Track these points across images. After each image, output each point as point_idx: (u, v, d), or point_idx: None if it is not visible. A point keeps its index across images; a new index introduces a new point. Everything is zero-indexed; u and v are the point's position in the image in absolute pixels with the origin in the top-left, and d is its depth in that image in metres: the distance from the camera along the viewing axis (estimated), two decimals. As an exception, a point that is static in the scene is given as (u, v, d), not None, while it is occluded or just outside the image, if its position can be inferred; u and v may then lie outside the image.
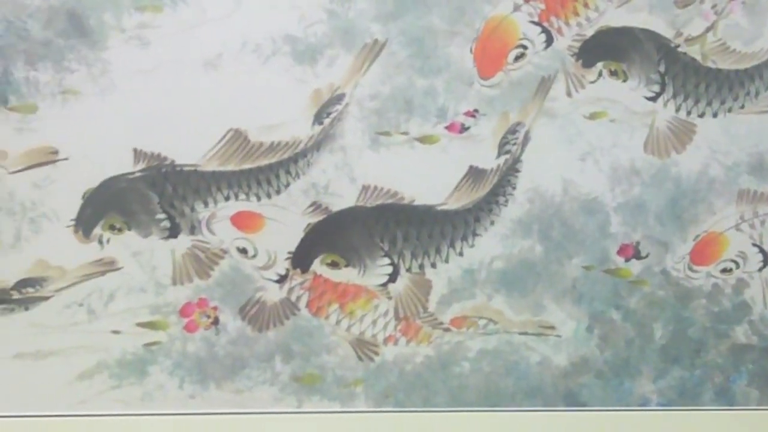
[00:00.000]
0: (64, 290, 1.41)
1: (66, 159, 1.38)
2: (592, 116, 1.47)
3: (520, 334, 1.51)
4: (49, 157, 1.38)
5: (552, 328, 1.51)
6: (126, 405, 1.44)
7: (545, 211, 1.49)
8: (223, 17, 1.39)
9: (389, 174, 1.45)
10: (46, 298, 1.40)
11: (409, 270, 1.47)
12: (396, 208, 1.45)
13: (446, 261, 1.48)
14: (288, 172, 1.43)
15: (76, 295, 1.41)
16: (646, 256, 1.51)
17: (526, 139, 1.47)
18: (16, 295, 1.39)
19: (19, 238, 1.38)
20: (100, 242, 1.40)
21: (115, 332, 1.42)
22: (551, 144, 1.47)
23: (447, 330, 1.49)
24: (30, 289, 1.39)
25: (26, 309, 1.40)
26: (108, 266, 1.41)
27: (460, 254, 1.48)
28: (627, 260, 1.51)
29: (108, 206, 1.40)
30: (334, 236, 1.45)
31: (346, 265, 1.45)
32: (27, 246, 1.39)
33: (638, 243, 1.51)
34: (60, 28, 1.36)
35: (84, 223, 1.39)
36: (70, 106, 1.38)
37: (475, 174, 1.46)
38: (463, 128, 1.45)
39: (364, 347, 1.48)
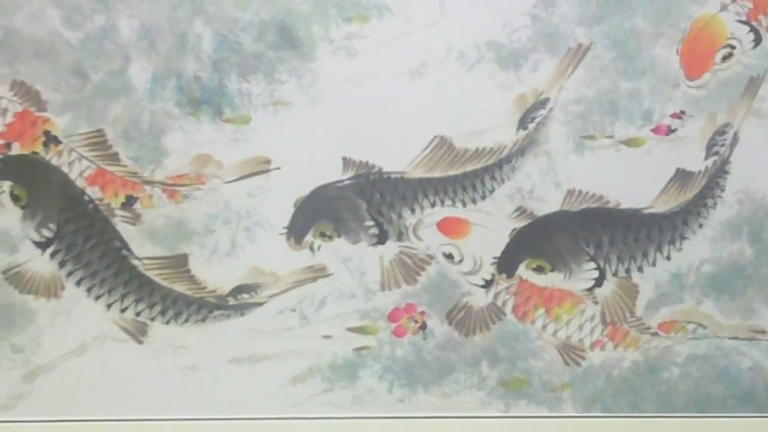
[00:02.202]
0: (278, 296, 1.35)
1: (278, 168, 1.32)
2: (804, 115, 1.33)
3: (731, 338, 1.37)
4: (262, 167, 1.31)
5: (764, 332, 1.38)
6: (337, 408, 1.36)
7: (756, 213, 1.35)
8: (428, 25, 1.31)
9: (594, 178, 1.34)
10: (261, 304, 1.34)
11: (615, 274, 1.35)
12: (601, 212, 1.34)
13: (653, 265, 1.36)
14: (493, 178, 1.33)
15: (289, 301, 1.35)
16: None
17: (735, 140, 1.34)
18: (232, 301, 1.34)
19: (235, 246, 1.32)
20: (312, 249, 1.33)
21: (326, 337, 1.35)
22: (761, 144, 1.35)
23: (655, 335, 1.37)
24: (245, 295, 1.33)
25: (241, 315, 1.34)
26: (319, 272, 1.34)
27: (668, 258, 1.36)
28: (841, 262, 1.36)
29: (319, 214, 1.33)
30: (540, 241, 1.35)
31: (552, 270, 1.35)
32: (242, 253, 1.33)
33: None
34: (271, 41, 1.30)
35: (296, 231, 1.33)
36: (281, 116, 1.31)
37: (682, 176, 1.34)
38: (670, 130, 1.33)
39: (570, 352, 1.37)
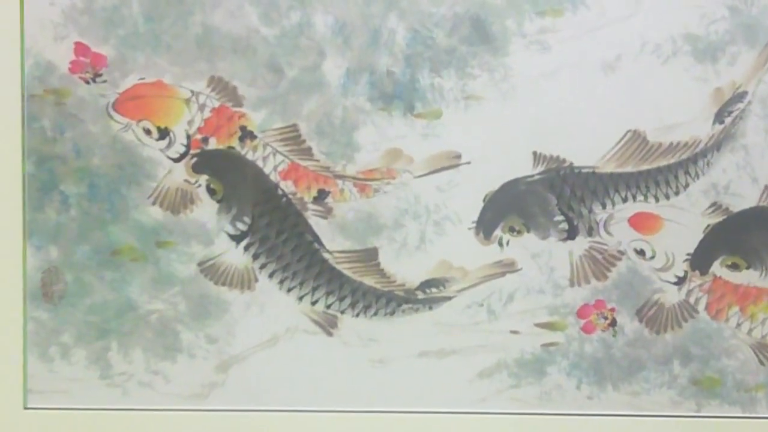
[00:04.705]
0: (466, 291, 1.30)
1: (468, 163, 1.27)
2: None
3: None
4: (452, 162, 1.27)
5: None
6: (524, 404, 1.31)
7: None
8: (623, 18, 1.26)
9: (794, 173, 1.25)
10: (449, 299, 1.30)
11: (814, 272, 1.27)
12: (801, 208, 1.26)
13: None
14: (687, 173, 1.26)
15: (477, 296, 1.30)
16: None
17: None
18: (420, 295, 1.29)
19: (424, 240, 1.28)
20: (500, 244, 1.28)
21: (514, 332, 1.30)
22: None
23: None
24: (434, 290, 1.29)
25: (430, 308, 1.30)
26: (508, 267, 1.29)
27: None
28: None
29: (508, 209, 1.28)
30: (735, 237, 1.28)
31: (747, 267, 1.28)
32: (431, 248, 1.29)
33: None
34: (464, 36, 1.25)
35: (485, 225, 1.28)
36: (473, 111, 1.27)
37: None
38: None
39: (766, 351, 1.29)
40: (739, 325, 1.31)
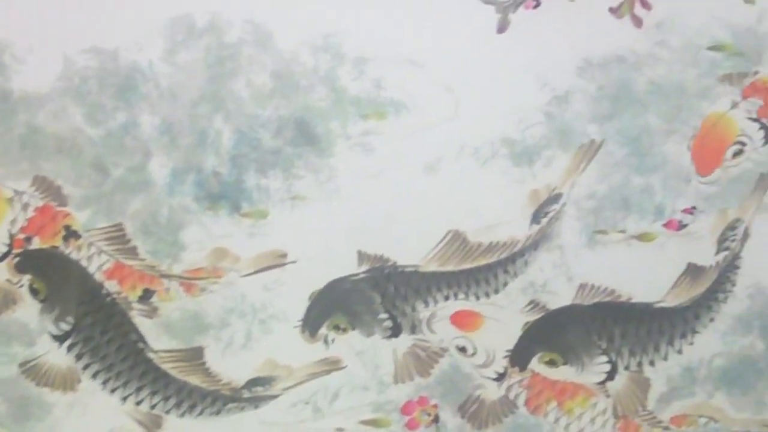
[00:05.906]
0: (292, 389, 1.31)
1: (294, 262, 1.28)
2: (814, 211, 1.30)
3: (743, 432, 1.33)
4: (278, 261, 1.28)
5: (776, 427, 1.33)
6: (351, 502, 1.31)
7: (767, 308, 1.30)
8: (443, 122, 1.29)
9: (606, 272, 1.31)
10: (275, 397, 1.31)
11: (627, 368, 1.32)
12: (613, 306, 1.31)
13: (665, 359, 1.33)
14: (506, 272, 1.30)
15: (303, 394, 1.32)
16: None
17: (746, 235, 1.32)
18: (246, 394, 1.30)
19: (250, 339, 1.29)
20: (326, 342, 1.30)
21: (339, 430, 1.33)
22: (772, 240, 1.31)
23: (666, 429, 1.34)
24: (259, 388, 1.30)
25: (256, 407, 1.31)
26: (333, 365, 1.30)
27: (679, 352, 1.33)
28: None
29: (333, 307, 1.29)
30: (552, 334, 1.31)
31: (564, 363, 1.31)
32: (257, 346, 1.30)
33: None
34: (289, 137, 1.27)
35: (310, 324, 1.29)
36: (298, 211, 1.28)
37: (693, 271, 1.31)
38: (681, 225, 1.30)
39: (583, 445, 1.32)
40: (557, 419, 1.34)
